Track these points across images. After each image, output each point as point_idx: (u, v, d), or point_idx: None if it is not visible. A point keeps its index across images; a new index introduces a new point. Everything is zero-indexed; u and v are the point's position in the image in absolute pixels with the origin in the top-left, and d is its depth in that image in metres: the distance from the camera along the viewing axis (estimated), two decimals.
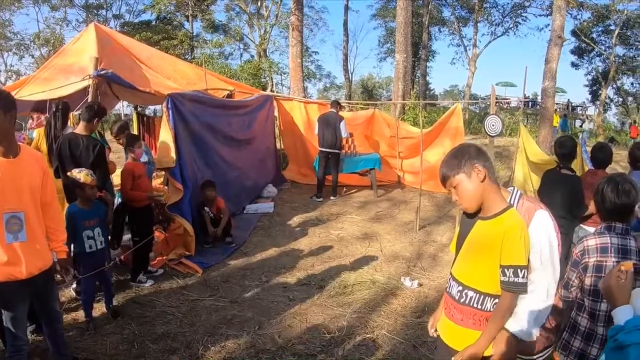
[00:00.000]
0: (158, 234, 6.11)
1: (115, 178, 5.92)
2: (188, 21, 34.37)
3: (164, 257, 5.50)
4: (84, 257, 3.93)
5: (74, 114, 5.42)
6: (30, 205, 2.64)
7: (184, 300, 4.50)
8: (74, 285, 4.49)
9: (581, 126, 23.53)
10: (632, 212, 2.30)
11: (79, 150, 4.42)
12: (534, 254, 1.90)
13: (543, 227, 1.93)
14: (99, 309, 4.21)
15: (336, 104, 9.24)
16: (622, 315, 1.56)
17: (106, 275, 4.17)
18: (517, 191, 2.05)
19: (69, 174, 3.97)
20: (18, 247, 2.56)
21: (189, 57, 30.47)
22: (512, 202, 2.00)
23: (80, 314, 4.09)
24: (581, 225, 4.21)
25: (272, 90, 24.45)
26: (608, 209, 2.30)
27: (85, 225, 3.91)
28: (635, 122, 26.17)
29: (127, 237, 5.81)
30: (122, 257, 5.21)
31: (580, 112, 34.83)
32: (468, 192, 1.93)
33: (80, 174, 3.88)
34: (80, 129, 4.54)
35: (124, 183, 4.90)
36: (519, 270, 1.83)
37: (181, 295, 4.63)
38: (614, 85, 35.22)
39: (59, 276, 3.04)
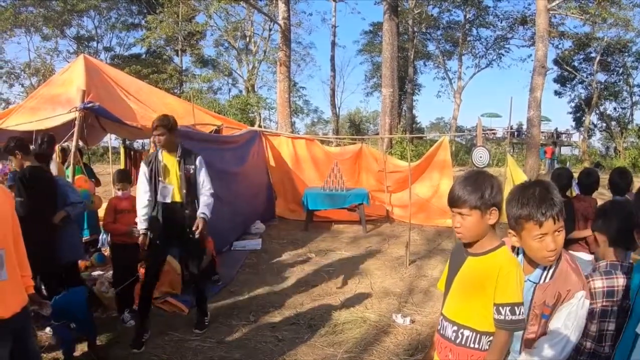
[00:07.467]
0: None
1: (101, 212, 5.83)
2: (177, 55, 34.81)
3: None
4: None
5: (59, 146, 5.34)
6: (9, 240, 2.52)
7: (169, 341, 4.33)
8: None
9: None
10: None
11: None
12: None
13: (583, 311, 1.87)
14: (81, 349, 4.02)
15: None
16: None
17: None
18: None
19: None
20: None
21: (178, 92, 30.71)
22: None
23: (60, 355, 3.90)
24: (570, 251, 4.21)
25: (260, 126, 24.65)
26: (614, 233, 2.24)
27: None
28: (555, 144, 27.98)
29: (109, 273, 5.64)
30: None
31: (566, 139, 35.39)
32: (474, 227, 1.86)
33: None
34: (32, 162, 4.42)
35: (105, 217, 4.85)
36: (515, 308, 1.77)
37: (166, 335, 4.45)
38: (597, 111, 35.94)
39: (36, 307, 2.88)
